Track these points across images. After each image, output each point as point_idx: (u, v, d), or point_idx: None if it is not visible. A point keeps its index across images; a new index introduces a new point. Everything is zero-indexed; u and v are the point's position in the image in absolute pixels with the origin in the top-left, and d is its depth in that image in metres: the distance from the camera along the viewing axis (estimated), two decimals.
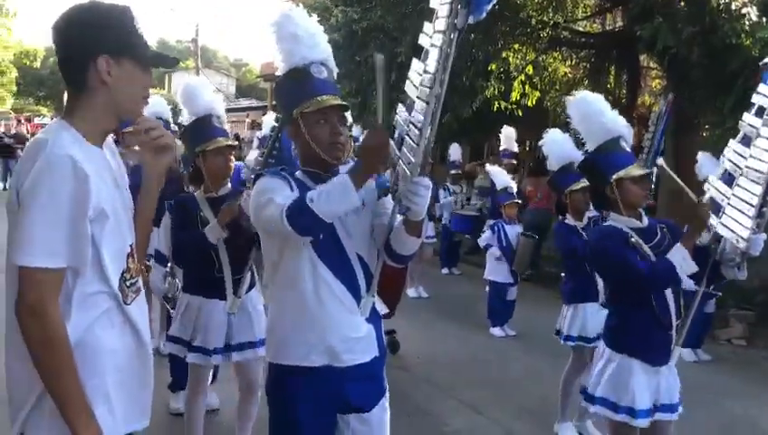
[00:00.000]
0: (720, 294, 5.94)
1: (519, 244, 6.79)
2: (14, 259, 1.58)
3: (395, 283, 5.37)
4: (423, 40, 2.21)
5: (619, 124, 3.03)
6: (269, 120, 6.38)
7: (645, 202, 2.95)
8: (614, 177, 2.91)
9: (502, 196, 7.15)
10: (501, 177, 7.27)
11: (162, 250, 3.98)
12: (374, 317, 2.37)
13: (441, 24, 2.02)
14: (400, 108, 2.38)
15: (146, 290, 5.29)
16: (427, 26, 2.20)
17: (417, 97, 2.15)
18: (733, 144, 3.19)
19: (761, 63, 3.28)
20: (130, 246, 1.81)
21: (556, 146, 4.54)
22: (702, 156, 6.11)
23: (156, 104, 5.57)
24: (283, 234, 2.09)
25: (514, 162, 8.73)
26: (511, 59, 9.66)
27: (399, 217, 2.30)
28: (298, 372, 2.25)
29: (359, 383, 2.29)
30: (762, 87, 3.08)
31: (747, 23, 6.79)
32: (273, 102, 20.03)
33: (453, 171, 10.15)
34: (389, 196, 2.45)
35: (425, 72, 2.12)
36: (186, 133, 3.65)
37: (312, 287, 2.22)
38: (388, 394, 2.43)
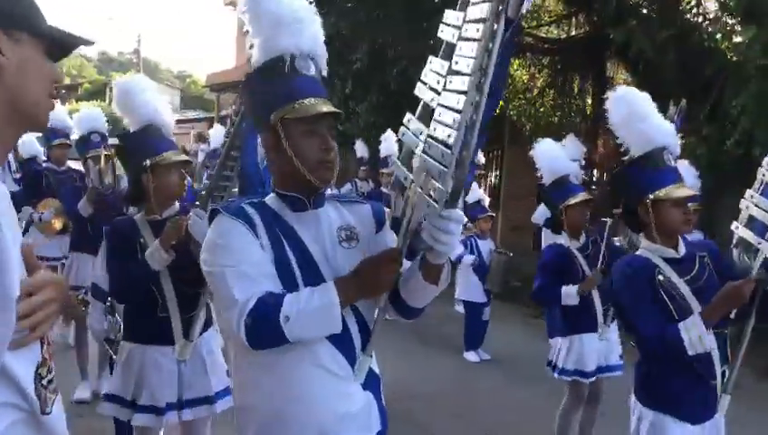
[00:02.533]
0: None
1: (492, 260, 6.40)
2: None
3: None
4: (445, 32, 1.72)
5: (664, 132, 2.59)
6: (216, 133, 5.84)
7: (685, 229, 2.51)
8: (650, 196, 2.48)
9: (475, 209, 6.73)
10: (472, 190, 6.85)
11: (100, 284, 3.41)
12: (372, 381, 1.86)
13: (478, 10, 1.53)
14: (409, 117, 1.87)
15: (82, 331, 4.68)
16: (450, 14, 1.70)
17: (441, 104, 1.65)
18: None
19: None
20: None
21: (548, 157, 4.13)
22: (681, 166, 5.84)
23: (90, 117, 4.96)
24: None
25: (483, 172, 8.33)
26: None
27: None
28: None
29: None
30: None
31: (725, 26, 6.55)
32: (221, 114, 19.27)
33: None
34: (389, 228, 1.97)
35: (452, 71, 1.62)
36: (126, 144, 3.09)
37: (292, 350, 1.71)
38: None
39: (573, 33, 9.47)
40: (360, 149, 9.44)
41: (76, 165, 5.75)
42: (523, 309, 8.32)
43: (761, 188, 2.74)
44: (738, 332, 2.50)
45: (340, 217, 1.92)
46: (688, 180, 5.70)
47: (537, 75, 9.60)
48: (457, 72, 1.59)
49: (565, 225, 4.01)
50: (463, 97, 1.53)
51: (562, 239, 4.03)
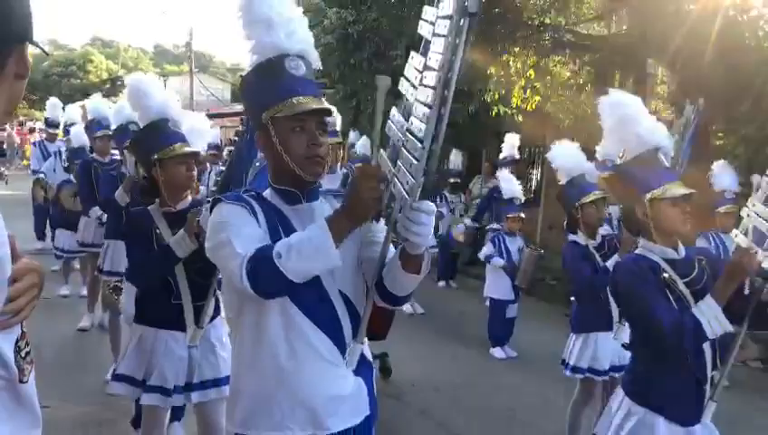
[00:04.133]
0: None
1: (523, 257, 6.37)
2: None
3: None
4: (423, 28, 1.78)
5: (657, 134, 2.59)
6: None
7: (684, 228, 2.50)
8: (647, 196, 2.48)
9: (507, 206, 6.71)
10: (510, 185, 6.82)
11: None
12: (363, 368, 1.96)
13: (447, 6, 1.59)
14: (394, 112, 1.94)
15: (115, 316, 4.83)
16: (428, 10, 1.76)
17: (417, 99, 1.72)
18: None
19: None
20: None
21: (565, 157, 4.17)
22: (718, 166, 5.76)
23: (127, 107, 5.12)
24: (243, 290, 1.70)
25: (514, 171, 8.28)
26: (511, 62, 9.23)
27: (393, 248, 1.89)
28: None
29: None
30: None
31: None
32: None
33: (452, 180, 9.68)
34: (381, 220, 2.03)
35: (426, 67, 1.68)
36: (137, 141, 3.24)
37: (284, 336, 1.82)
38: None
39: (614, 30, 9.31)
40: None
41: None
42: (555, 306, 8.26)
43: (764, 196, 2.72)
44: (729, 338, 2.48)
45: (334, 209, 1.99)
46: (726, 181, 5.64)
47: (578, 72, 9.46)
48: (430, 68, 1.65)
49: (581, 224, 4.02)
50: (430, 91, 1.59)
51: (579, 238, 4.04)
